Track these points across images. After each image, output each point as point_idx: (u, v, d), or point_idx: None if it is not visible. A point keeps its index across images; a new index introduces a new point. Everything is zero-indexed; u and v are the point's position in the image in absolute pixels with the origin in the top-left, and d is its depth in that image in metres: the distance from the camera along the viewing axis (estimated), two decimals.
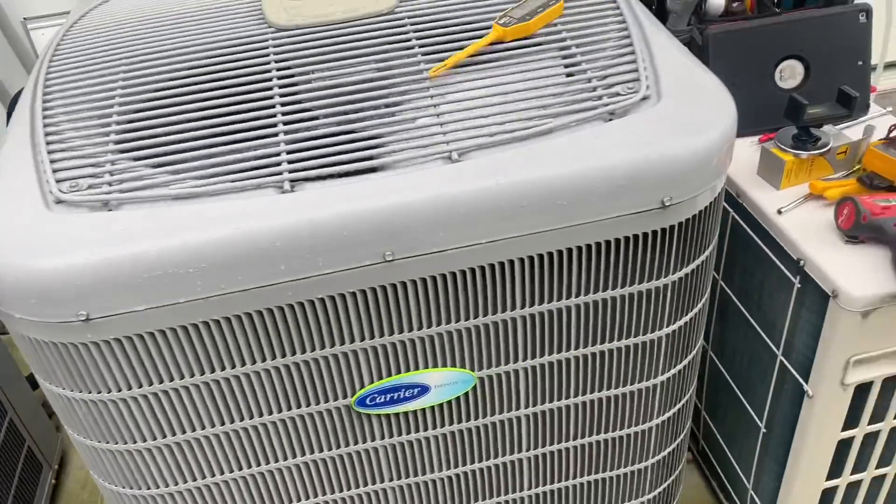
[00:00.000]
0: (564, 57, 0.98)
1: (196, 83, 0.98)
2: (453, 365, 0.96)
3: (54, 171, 0.87)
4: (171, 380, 0.87)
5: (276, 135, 0.90)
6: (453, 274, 0.87)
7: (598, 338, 0.98)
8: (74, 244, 0.78)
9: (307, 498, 1.05)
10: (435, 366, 0.95)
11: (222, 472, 0.99)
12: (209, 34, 1.06)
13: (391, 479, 1.06)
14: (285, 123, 0.91)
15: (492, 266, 0.87)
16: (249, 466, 0.99)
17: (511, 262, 0.88)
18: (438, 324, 0.91)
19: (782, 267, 1.16)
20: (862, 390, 1.15)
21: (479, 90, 0.94)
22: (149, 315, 0.81)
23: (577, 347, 0.98)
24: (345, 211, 0.80)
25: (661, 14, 1.39)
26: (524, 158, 0.85)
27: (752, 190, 1.23)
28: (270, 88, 0.96)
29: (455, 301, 0.89)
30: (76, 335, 0.81)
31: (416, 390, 0.96)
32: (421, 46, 1.01)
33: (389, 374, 0.94)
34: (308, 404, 0.95)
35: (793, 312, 1.16)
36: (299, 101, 0.95)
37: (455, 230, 0.83)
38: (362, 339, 0.90)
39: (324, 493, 1.05)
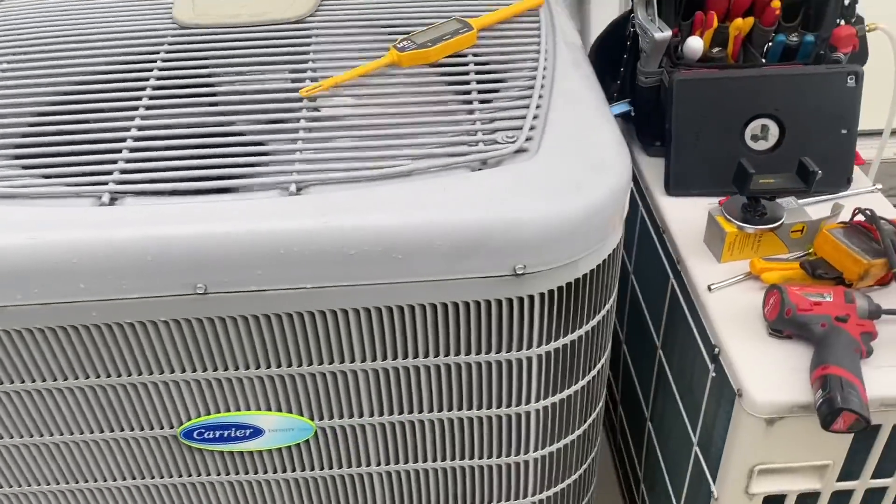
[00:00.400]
0: (459, 93, 0.89)
1: (77, 74, 0.93)
2: (289, 411, 0.88)
3: None
4: None
5: (123, 139, 0.84)
6: (279, 316, 0.79)
7: (455, 404, 0.89)
8: None
9: None
10: (269, 409, 0.88)
11: (39, 484, 0.94)
12: (113, 24, 1.02)
13: None
14: (139, 129, 0.85)
15: (323, 313, 0.79)
16: (77, 482, 0.94)
17: (345, 312, 0.79)
18: (268, 366, 0.83)
19: (703, 351, 1.04)
20: (776, 502, 1.01)
21: (350, 119, 0.86)
22: None
23: (430, 410, 0.89)
24: (150, 235, 0.74)
25: (635, 52, 1.27)
26: (365, 201, 0.76)
27: (691, 258, 1.10)
28: (143, 88, 0.91)
29: (284, 345, 0.82)
30: None
31: (248, 431, 0.89)
32: (315, 61, 0.94)
33: (218, 411, 0.87)
34: (132, 429, 0.89)
35: (709, 401, 1.03)
36: (166, 107, 0.89)
37: (276, 270, 0.75)
38: (182, 370, 0.83)
39: None
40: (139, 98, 0.89)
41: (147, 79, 0.92)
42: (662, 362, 1.24)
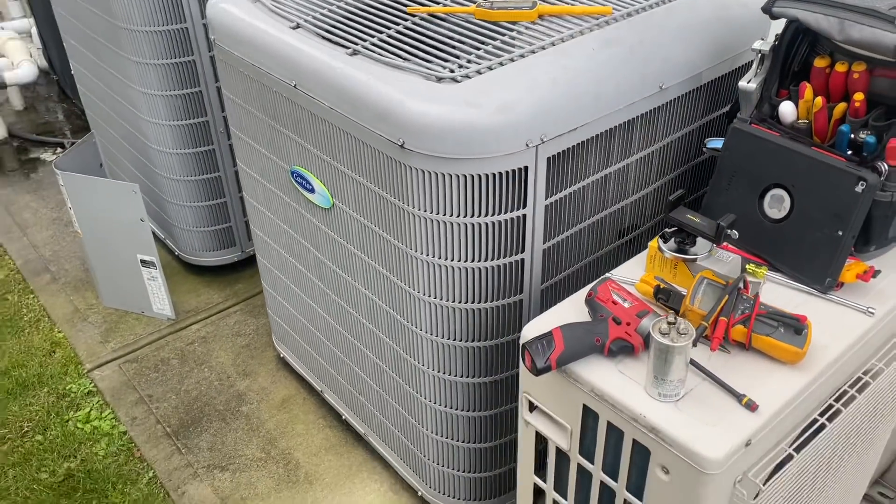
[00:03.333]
0: (480, 42, 1.31)
1: None
2: (323, 183, 1.48)
3: None
4: None
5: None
6: (318, 117, 1.39)
7: (365, 213, 1.37)
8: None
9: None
10: (318, 178, 1.49)
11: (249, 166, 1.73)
12: None
13: (302, 236, 1.65)
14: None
15: (332, 125, 1.36)
16: (256, 175, 1.71)
17: (337, 128, 1.35)
18: (316, 148, 1.44)
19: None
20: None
21: (426, 27, 1.36)
22: None
23: (354, 212, 1.39)
24: (283, 41, 1.40)
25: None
26: (369, 69, 1.28)
27: (637, 257, 1.29)
28: None
29: (319, 138, 1.41)
30: None
31: (310, 185, 1.52)
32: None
33: (301, 166, 1.52)
34: (275, 157, 1.60)
35: None
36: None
37: (322, 88, 1.35)
38: (288, 129, 1.50)
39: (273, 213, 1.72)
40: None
41: None
42: None
